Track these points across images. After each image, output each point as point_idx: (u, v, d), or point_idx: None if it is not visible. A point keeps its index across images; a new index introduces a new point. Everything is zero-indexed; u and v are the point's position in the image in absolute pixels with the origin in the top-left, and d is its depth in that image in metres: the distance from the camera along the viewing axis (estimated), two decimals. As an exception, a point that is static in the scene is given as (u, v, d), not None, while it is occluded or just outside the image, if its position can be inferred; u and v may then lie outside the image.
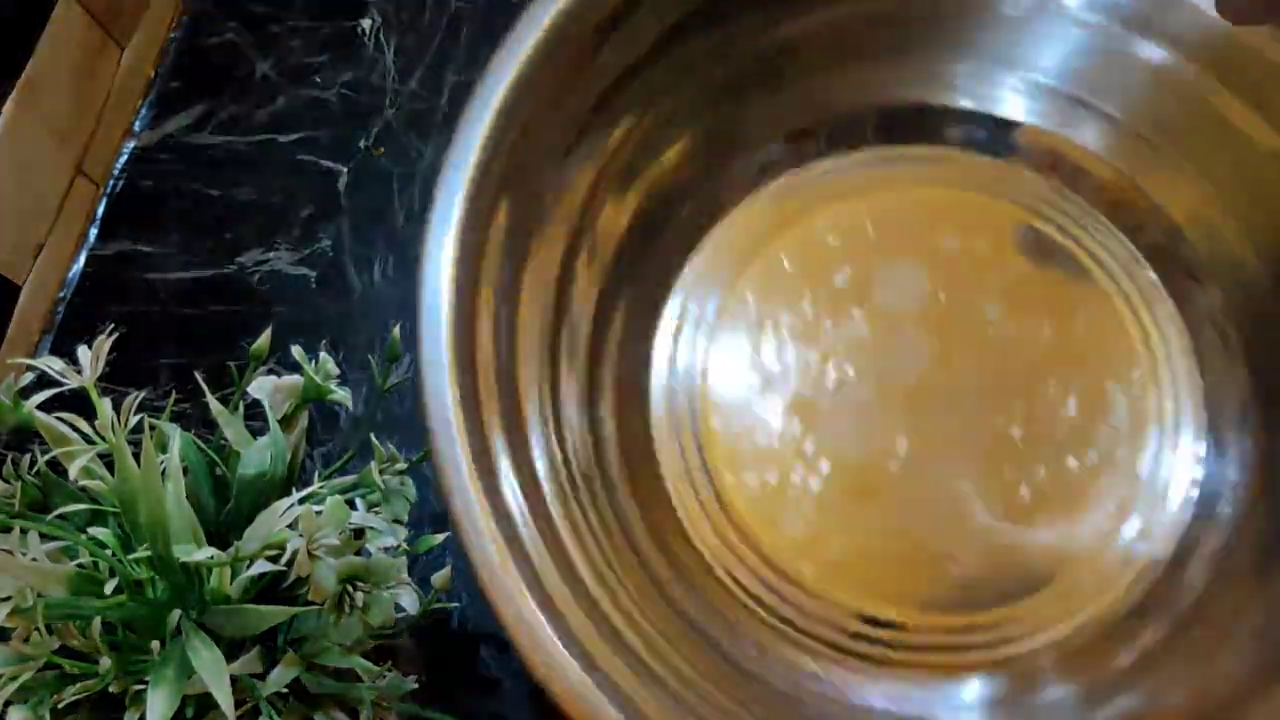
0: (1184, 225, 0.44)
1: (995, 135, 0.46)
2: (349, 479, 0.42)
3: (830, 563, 0.42)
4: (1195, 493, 0.43)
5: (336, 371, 0.43)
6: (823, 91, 0.45)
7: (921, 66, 0.45)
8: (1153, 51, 0.41)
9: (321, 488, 0.39)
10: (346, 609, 0.36)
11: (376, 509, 0.41)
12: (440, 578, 0.42)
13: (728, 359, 0.45)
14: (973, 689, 0.41)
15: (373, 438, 0.42)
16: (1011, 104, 0.45)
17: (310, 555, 0.34)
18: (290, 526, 0.36)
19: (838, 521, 0.43)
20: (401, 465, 0.42)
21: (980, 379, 0.44)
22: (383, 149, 0.61)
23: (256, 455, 0.40)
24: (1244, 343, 0.43)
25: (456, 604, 0.50)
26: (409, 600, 0.39)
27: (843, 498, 0.43)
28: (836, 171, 0.46)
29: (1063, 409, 0.44)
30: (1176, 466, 0.44)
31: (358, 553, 0.37)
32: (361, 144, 0.61)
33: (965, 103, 0.45)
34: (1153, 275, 0.45)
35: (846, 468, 0.43)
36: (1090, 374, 0.44)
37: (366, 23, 0.64)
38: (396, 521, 0.41)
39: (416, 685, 0.40)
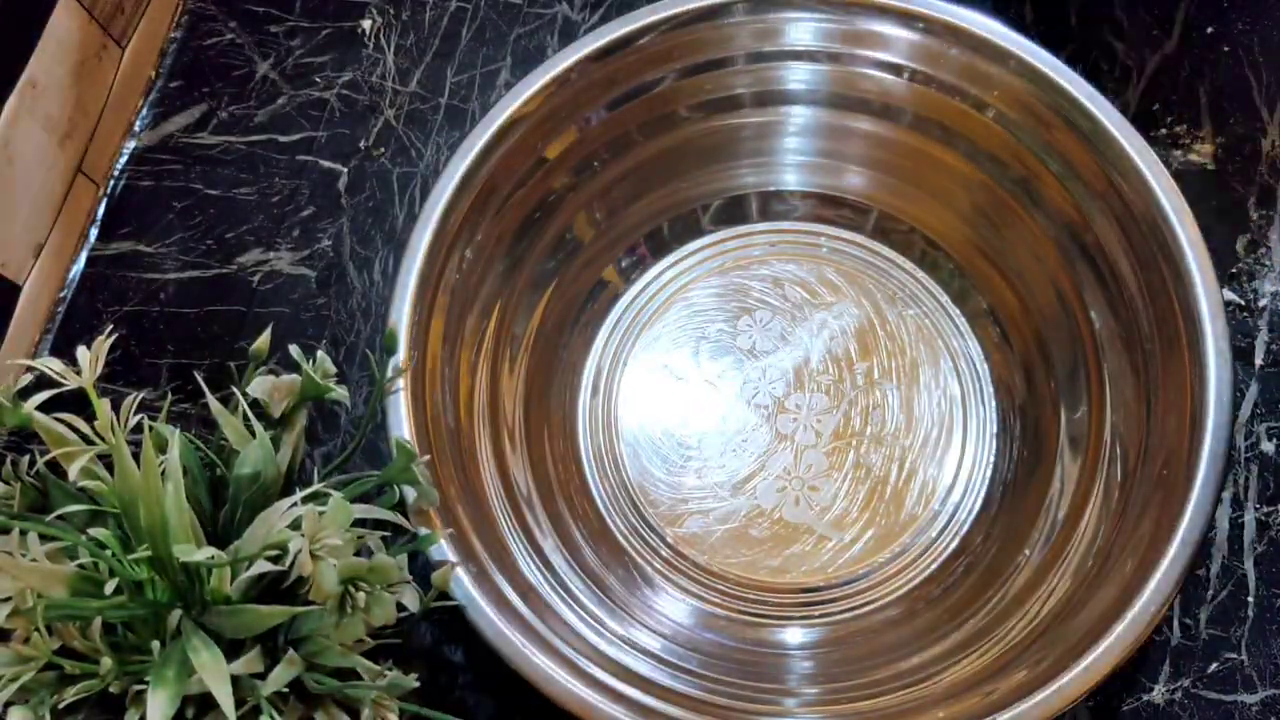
0: (936, 235, 0.57)
1: (792, 203, 0.59)
2: (371, 479, 0.42)
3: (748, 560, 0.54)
4: (989, 471, 0.54)
5: (334, 370, 0.43)
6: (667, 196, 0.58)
7: (713, 176, 0.59)
8: (862, 123, 0.56)
9: (326, 486, 0.39)
10: (348, 609, 0.36)
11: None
12: (440, 576, 0.42)
13: (634, 397, 0.57)
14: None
15: (397, 438, 0.43)
16: (793, 178, 0.59)
17: (312, 555, 0.34)
18: (292, 526, 0.36)
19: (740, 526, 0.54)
20: (426, 456, 0.43)
21: (826, 394, 0.56)
22: (383, 149, 0.61)
23: (252, 454, 0.40)
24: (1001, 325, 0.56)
25: (455, 603, 0.50)
26: (410, 599, 0.39)
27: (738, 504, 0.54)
28: (690, 255, 0.59)
29: (888, 412, 0.55)
30: (978, 448, 0.55)
31: (358, 552, 0.37)
32: (361, 144, 0.61)
33: (758, 186, 0.59)
34: (932, 283, 0.57)
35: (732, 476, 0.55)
36: (907, 378, 0.56)
37: (366, 23, 0.64)
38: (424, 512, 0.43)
39: (417, 684, 0.40)
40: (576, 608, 0.48)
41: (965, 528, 0.53)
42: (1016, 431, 0.54)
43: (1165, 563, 0.41)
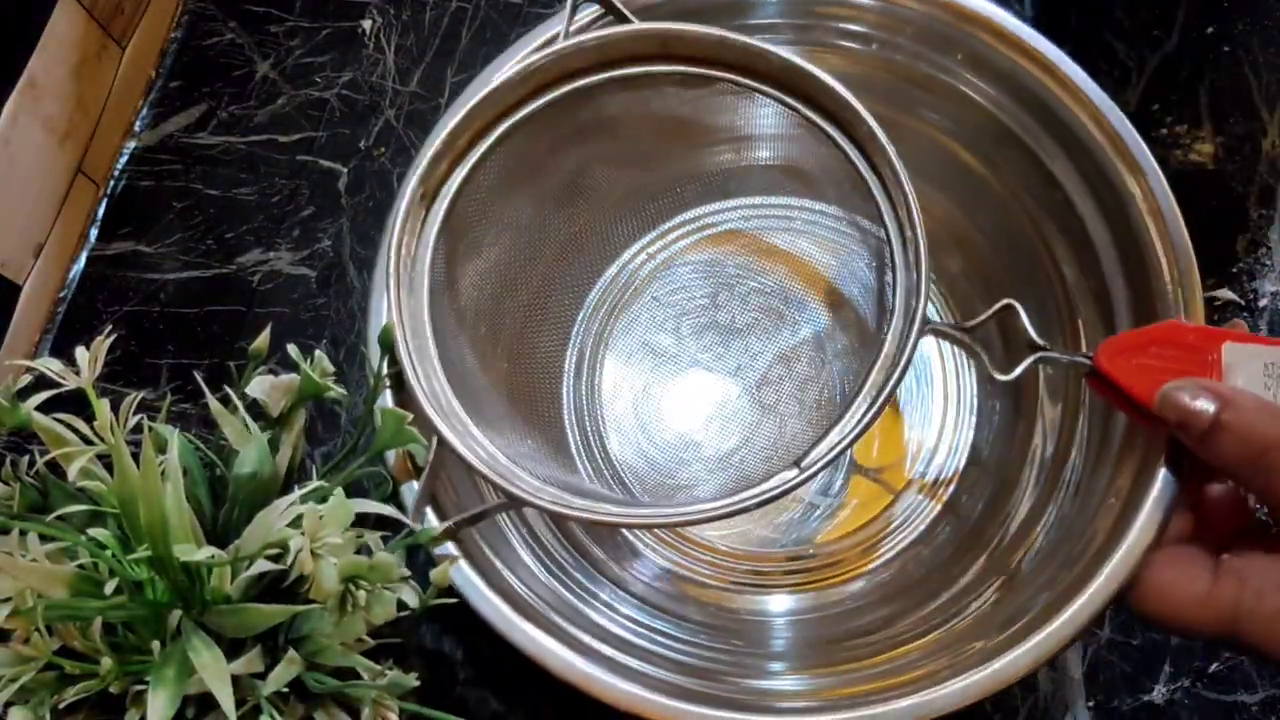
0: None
1: (765, 177, 0.56)
2: (366, 471, 0.42)
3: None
4: (974, 423, 0.55)
5: (333, 369, 0.43)
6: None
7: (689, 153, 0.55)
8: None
9: (322, 480, 0.39)
10: (349, 607, 0.36)
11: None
12: (440, 574, 0.42)
13: (616, 375, 0.56)
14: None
15: (382, 407, 0.42)
16: (765, 153, 0.54)
17: (313, 554, 0.34)
18: (292, 525, 0.36)
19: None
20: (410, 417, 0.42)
21: (806, 364, 0.55)
22: (383, 149, 0.61)
23: (252, 453, 0.40)
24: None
25: (456, 600, 0.50)
26: (410, 597, 0.39)
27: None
28: (667, 233, 0.59)
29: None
30: (960, 404, 0.56)
31: (358, 550, 0.37)
32: (361, 144, 0.61)
33: (733, 162, 0.55)
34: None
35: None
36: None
37: (367, 23, 0.64)
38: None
39: (417, 683, 0.40)
40: (568, 581, 0.48)
41: (953, 484, 0.54)
42: (995, 386, 0.55)
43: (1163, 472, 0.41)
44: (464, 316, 0.47)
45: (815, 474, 0.41)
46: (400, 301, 0.43)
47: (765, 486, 0.40)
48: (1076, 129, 0.48)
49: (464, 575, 0.42)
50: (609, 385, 0.56)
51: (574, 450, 0.55)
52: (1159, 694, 0.49)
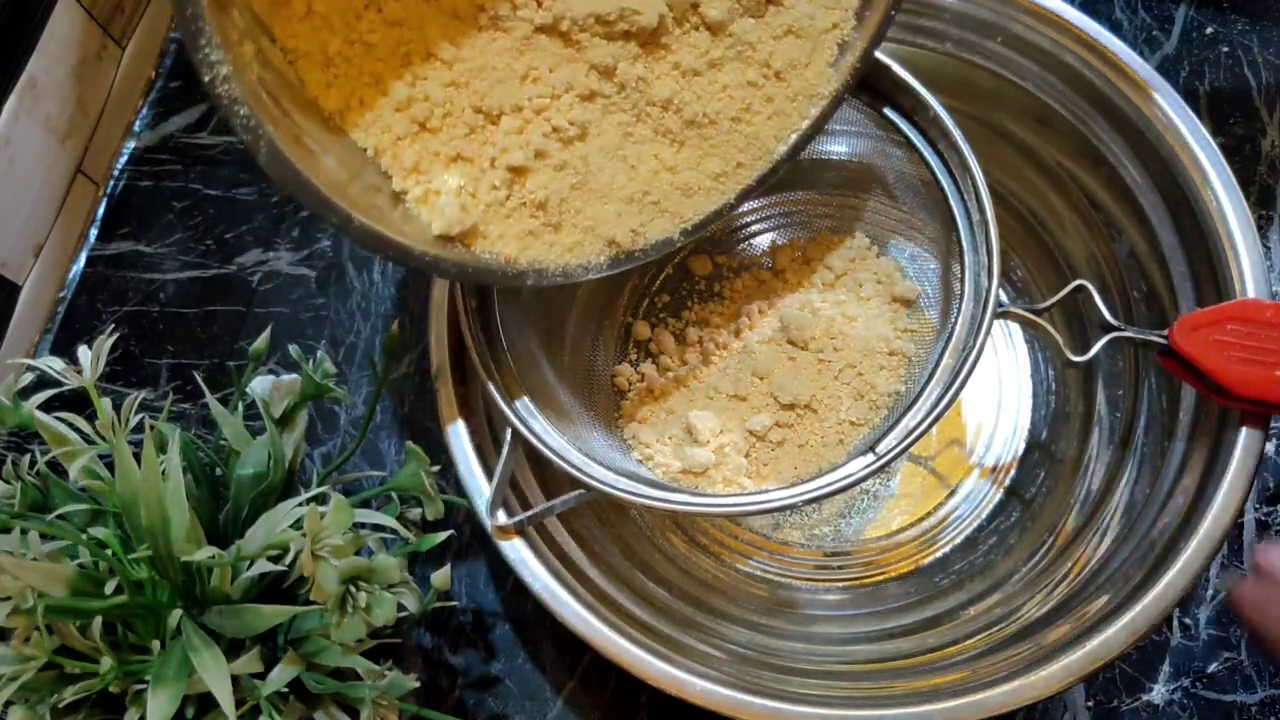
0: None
1: (814, 174, 0.57)
2: (379, 486, 0.42)
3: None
4: (1030, 417, 0.56)
5: (334, 370, 0.43)
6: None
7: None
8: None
9: (325, 489, 0.39)
10: (349, 609, 0.36)
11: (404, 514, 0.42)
12: (440, 577, 0.42)
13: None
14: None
15: (410, 444, 0.42)
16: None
17: (314, 556, 0.34)
18: (294, 526, 0.36)
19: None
20: (436, 467, 0.43)
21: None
22: (383, 148, 0.61)
23: (255, 454, 0.40)
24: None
25: (456, 603, 0.50)
26: (410, 600, 0.39)
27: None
28: None
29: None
30: (1018, 400, 0.56)
31: (358, 552, 0.37)
32: (361, 143, 0.61)
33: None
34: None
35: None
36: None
37: (366, 22, 0.64)
38: (437, 523, 0.43)
39: (417, 684, 0.40)
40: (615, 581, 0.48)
41: (1011, 475, 0.54)
42: (1051, 384, 0.55)
43: (1237, 453, 0.41)
44: (527, 311, 0.48)
45: (890, 461, 0.41)
46: (467, 299, 0.44)
47: (841, 473, 0.41)
48: (1120, 101, 0.49)
49: (548, 588, 0.43)
50: (656, 376, 0.55)
51: (628, 442, 0.54)
52: (1159, 694, 0.49)
